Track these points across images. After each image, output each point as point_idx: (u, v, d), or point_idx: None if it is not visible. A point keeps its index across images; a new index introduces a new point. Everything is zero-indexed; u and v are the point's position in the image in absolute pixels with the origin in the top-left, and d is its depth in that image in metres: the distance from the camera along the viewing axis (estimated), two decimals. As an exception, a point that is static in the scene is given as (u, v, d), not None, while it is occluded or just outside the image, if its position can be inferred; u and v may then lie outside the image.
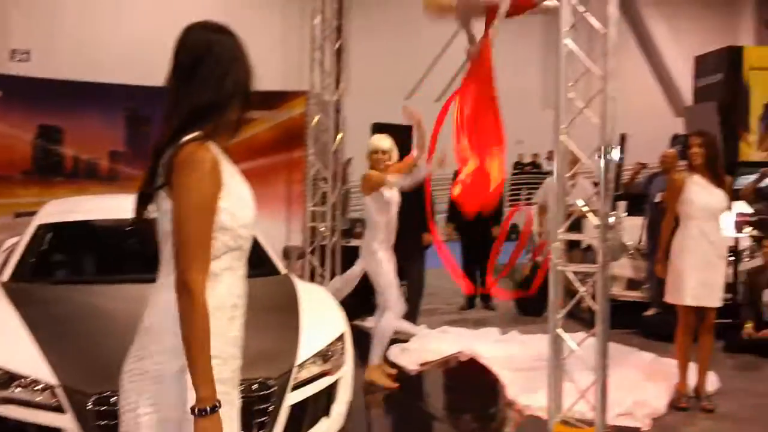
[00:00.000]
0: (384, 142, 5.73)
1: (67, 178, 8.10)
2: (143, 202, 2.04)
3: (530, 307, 7.98)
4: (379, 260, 5.52)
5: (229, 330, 1.99)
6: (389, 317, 5.56)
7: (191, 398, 1.87)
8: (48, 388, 3.21)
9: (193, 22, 2.08)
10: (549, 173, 16.19)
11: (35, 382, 3.23)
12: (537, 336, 6.36)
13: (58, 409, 3.18)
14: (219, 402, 1.87)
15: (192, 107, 1.97)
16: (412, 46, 17.64)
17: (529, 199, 17.15)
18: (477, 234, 8.63)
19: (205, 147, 1.94)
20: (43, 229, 4.85)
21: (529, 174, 18.83)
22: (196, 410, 1.85)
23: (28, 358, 3.33)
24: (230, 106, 2.01)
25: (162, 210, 1.99)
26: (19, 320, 3.65)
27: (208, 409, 1.85)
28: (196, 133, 1.95)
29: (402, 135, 8.36)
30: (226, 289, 1.98)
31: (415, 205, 6.25)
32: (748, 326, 6.60)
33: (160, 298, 1.99)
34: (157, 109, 2.20)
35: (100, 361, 3.21)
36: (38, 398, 3.22)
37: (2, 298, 3.98)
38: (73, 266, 4.93)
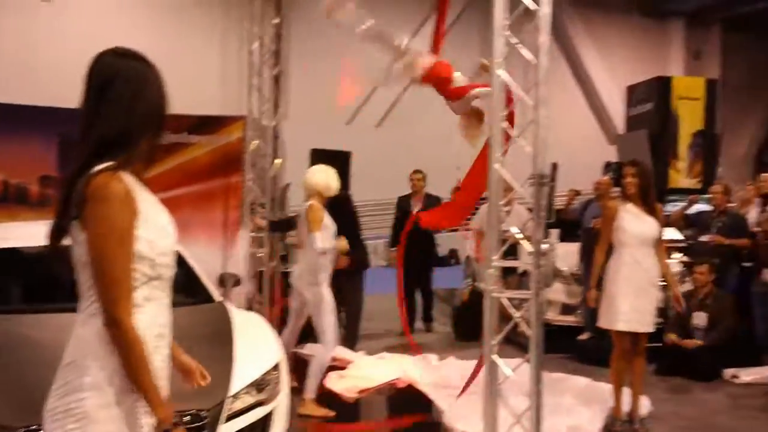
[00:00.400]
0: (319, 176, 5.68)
1: (-7, 203, 7.82)
2: (58, 233, 2.00)
3: (468, 332, 8.04)
4: (324, 294, 5.52)
5: (154, 361, 1.97)
6: (325, 350, 5.53)
7: (145, 425, 1.93)
8: None
9: (105, 49, 2.05)
10: (486, 199, 16.46)
11: None
12: (474, 362, 6.41)
13: None
14: (180, 418, 1.99)
15: (101, 135, 1.95)
16: (350, 71, 17.81)
17: (467, 224, 17.32)
18: (417, 259, 8.72)
19: (117, 177, 1.92)
20: None
21: (468, 200, 19.03)
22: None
23: None
24: (142, 133, 1.99)
25: (77, 241, 1.96)
26: None
27: (171, 428, 1.93)
28: (107, 163, 1.93)
29: (339, 161, 8.40)
30: (149, 319, 1.97)
31: (348, 229, 6.28)
32: (672, 336, 6.79)
33: (80, 332, 1.96)
34: None
35: (27, 394, 3.09)
36: None
37: None
38: (0, 294, 4.75)
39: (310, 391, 5.53)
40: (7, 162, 7.87)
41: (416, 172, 9.07)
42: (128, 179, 1.96)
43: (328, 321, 5.52)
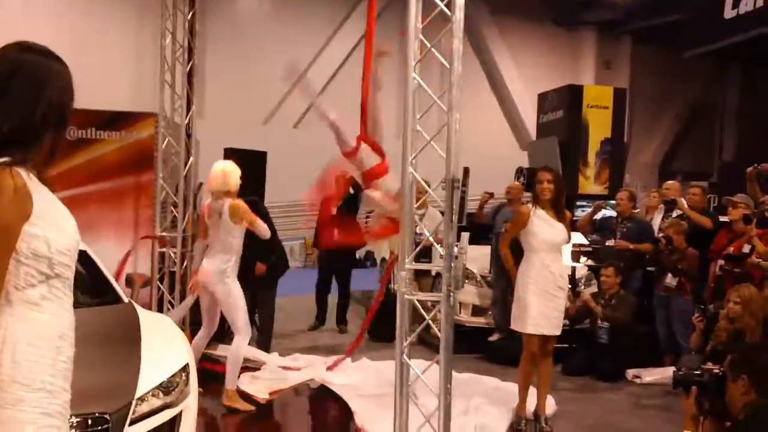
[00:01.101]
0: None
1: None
2: None
3: (381, 333, 8.09)
4: (232, 285, 5.49)
5: (56, 362, 1.93)
6: (240, 341, 5.51)
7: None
8: None
9: (8, 43, 1.99)
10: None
11: None
12: (386, 362, 6.46)
13: None
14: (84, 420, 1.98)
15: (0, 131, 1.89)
16: (270, 71, 17.64)
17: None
18: (339, 261, 8.82)
19: (10, 173, 1.87)
20: None
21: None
22: None
23: None
24: (42, 130, 1.94)
25: None
26: None
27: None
28: (3, 159, 1.88)
29: (254, 161, 8.30)
30: (48, 319, 1.94)
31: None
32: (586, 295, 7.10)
33: None
34: None
35: None
36: None
37: None
38: None
39: (231, 382, 5.51)
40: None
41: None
42: (24, 176, 1.90)
43: (240, 312, 5.51)
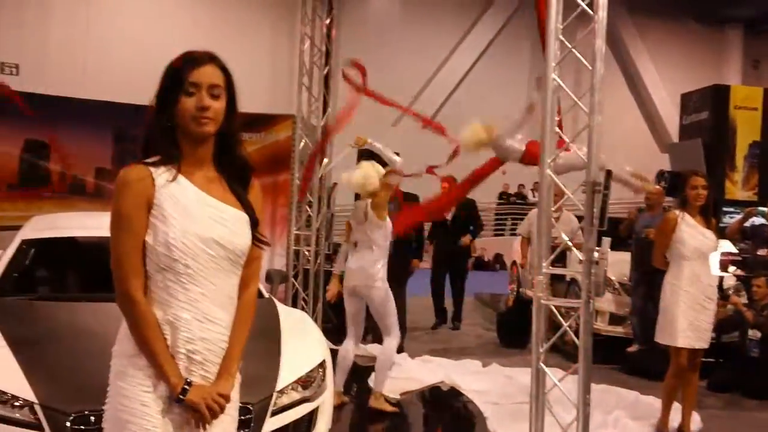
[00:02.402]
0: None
1: (53, 194, 8.04)
2: None
3: (512, 339, 7.97)
4: (384, 287, 5.45)
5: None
6: (390, 344, 5.48)
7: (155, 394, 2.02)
8: (27, 405, 3.17)
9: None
10: (535, 204, 16.30)
11: (15, 398, 3.19)
12: (518, 369, 6.35)
13: (36, 426, 3.14)
14: (188, 381, 2.03)
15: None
16: (400, 74, 17.82)
17: (513, 229, 17.22)
18: (453, 260, 8.91)
19: (130, 168, 2.04)
20: (26, 244, 4.82)
21: (514, 205, 18.93)
22: (179, 397, 2.02)
23: (8, 375, 3.29)
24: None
25: None
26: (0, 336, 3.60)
27: (186, 387, 2.02)
28: (153, 159, 2.05)
29: (386, 162, 8.39)
30: (158, 306, 2.04)
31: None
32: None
33: None
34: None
35: (79, 381, 3.20)
36: (17, 414, 3.17)
37: None
38: (56, 283, 4.87)
39: (380, 384, 5.51)
40: (65, 155, 8.08)
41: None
42: (144, 170, 2.03)
43: (392, 315, 5.46)
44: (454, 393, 6.19)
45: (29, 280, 4.73)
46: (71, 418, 3.10)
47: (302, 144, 8.15)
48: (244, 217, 2.12)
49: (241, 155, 2.17)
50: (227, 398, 2.10)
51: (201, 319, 2.06)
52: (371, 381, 5.80)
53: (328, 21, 8.24)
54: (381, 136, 7.18)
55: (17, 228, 5.47)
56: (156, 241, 2.01)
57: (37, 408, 3.15)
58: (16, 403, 3.18)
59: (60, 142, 8.05)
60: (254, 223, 2.15)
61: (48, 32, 15.45)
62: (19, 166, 7.94)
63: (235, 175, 2.16)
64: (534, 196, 18.08)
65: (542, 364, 4.13)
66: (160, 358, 2.01)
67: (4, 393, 3.21)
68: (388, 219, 5.54)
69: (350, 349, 5.59)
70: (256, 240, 2.16)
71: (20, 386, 3.22)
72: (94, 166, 8.17)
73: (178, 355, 2.05)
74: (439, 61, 19.45)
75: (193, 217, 2.04)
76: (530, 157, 5.19)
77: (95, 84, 12.36)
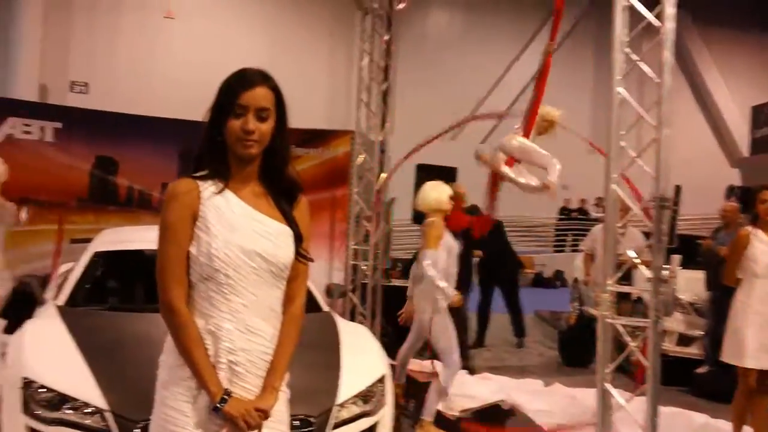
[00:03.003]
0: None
1: (120, 208, 8.27)
2: None
3: (574, 358, 7.81)
4: (442, 320, 5.33)
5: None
6: (448, 374, 5.35)
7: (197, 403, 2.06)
8: (98, 412, 3.27)
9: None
10: (597, 220, 15.94)
11: (86, 405, 3.29)
12: (582, 389, 6.21)
13: None
14: (227, 392, 2.03)
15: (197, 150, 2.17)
16: (458, 89, 17.78)
17: (575, 245, 16.92)
18: (501, 274, 8.81)
19: (179, 181, 2.12)
20: (97, 256, 4.98)
21: (575, 220, 18.61)
22: (213, 408, 2.03)
23: (80, 382, 3.39)
24: (209, 145, 2.12)
25: None
26: (73, 344, 3.72)
27: (225, 397, 2.03)
28: (202, 173, 2.13)
29: (446, 177, 8.37)
30: (199, 316, 2.08)
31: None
32: None
33: None
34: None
35: (147, 389, 3.22)
36: (87, 421, 3.26)
37: (58, 322, 4.07)
38: (125, 294, 5.00)
39: (429, 414, 5.35)
40: (132, 170, 8.31)
41: None
42: (190, 184, 2.09)
43: (448, 345, 5.31)
44: (515, 412, 6.08)
45: (100, 291, 4.86)
46: (140, 425, 3.16)
47: (360, 159, 8.18)
48: (288, 232, 2.16)
49: (288, 173, 2.20)
50: (266, 413, 2.09)
51: (242, 329, 2.08)
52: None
53: (387, 37, 8.27)
54: (441, 150, 7.22)
55: (87, 240, 5.64)
56: (199, 251, 2.05)
57: (107, 415, 3.24)
58: (87, 410, 3.28)
59: (128, 158, 8.29)
60: (298, 239, 2.17)
61: (116, 53, 15.96)
62: (90, 181, 8.20)
63: (282, 191, 2.19)
64: (596, 212, 17.76)
65: (608, 385, 4.03)
66: (199, 367, 2.04)
67: (76, 400, 3.31)
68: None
69: (406, 349, 5.64)
70: (300, 255, 2.18)
71: (91, 393, 3.31)
72: (159, 181, 8.38)
73: (220, 365, 2.07)
74: (498, 74, 19.34)
75: (236, 229, 2.07)
76: None
77: (161, 102, 12.69)
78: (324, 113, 15.49)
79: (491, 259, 8.76)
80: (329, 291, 5.94)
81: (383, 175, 8.09)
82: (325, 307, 4.90)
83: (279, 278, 2.14)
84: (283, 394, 2.21)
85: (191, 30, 16.24)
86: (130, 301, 4.89)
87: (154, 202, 8.40)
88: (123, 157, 8.29)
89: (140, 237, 5.51)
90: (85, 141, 8.17)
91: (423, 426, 5.39)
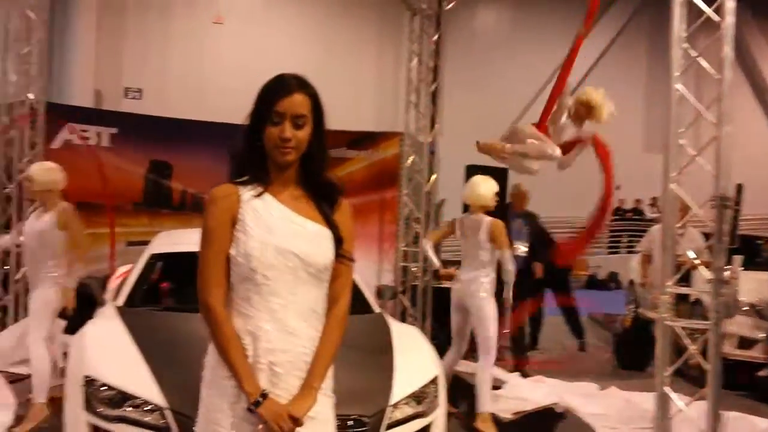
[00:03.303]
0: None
1: (173, 211, 8.42)
2: None
3: (630, 361, 7.65)
4: (485, 301, 5.39)
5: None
6: (487, 361, 5.37)
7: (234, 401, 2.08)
8: (157, 409, 3.32)
9: None
10: (652, 220, 15.61)
11: (146, 402, 3.35)
12: (638, 393, 6.09)
13: (165, 430, 3.27)
14: (263, 393, 2.04)
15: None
16: (507, 89, 17.61)
17: (630, 247, 16.60)
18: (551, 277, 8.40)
19: (219, 186, 2.15)
20: (154, 258, 5.08)
21: (630, 221, 18.25)
22: (248, 409, 2.04)
23: (140, 380, 3.45)
24: (249, 150, 2.14)
25: None
26: (132, 344, 3.80)
27: (260, 399, 2.04)
28: (244, 178, 2.15)
29: (497, 178, 8.28)
30: (239, 316, 2.11)
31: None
32: None
33: None
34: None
35: None
36: (147, 418, 3.32)
37: (118, 321, 4.16)
38: (181, 294, 5.06)
39: (484, 405, 5.39)
40: (185, 173, 8.45)
41: None
42: (231, 188, 2.12)
43: (491, 331, 5.36)
44: (569, 415, 5.97)
45: (157, 292, 4.98)
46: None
47: (410, 161, 8.17)
48: (326, 233, 2.16)
49: (326, 177, 2.22)
50: (299, 420, 2.08)
51: (281, 330, 2.09)
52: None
53: (435, 37, 8.25)
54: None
55: (143, 243, 5.75)
56: (237, 252, 2.09)
57: (167, 413, 3.29)
58: (147, 408, 3.34)
59: (181, 162, 8.43)
60: (338, 240, 2.18)
61: (168, 59, 16.23)
62: (144, 185, 8.37)
63: (322, 194, 2.21)
64: (652, 212, 17.40)
65: (667, 388, 3.93)
66: (236, 367, 2.06)
67: (137, 398, 3.37)
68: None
69: (448, 361, 5.57)
70: (340, 256, 2.19)
71: (151, 392, 3.37)
72: (211, 185, 8.50)
73: (260, 365, 2.08)
74: (548, 74, 19.10)
75: (274, 230, 2.10)
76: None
77: (212, 107, 12.86)
78: (372, 115, 15.50)
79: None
80: (380, 292, 5.93)
81: (434, 177, 8.07)
82: (377, 309, 4.90)
83: (318, 279, 2.14)
84: (327, 397, 2.21)
85: (240, 35, 16.44)
86: (186, 302, 4.91)
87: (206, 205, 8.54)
88: (176, 161, 8.44)
89: (195, 239, 5.60)
90: (139, 146, 8.34)
91: (482, 419, 5.39)
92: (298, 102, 2.10)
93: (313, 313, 2.15)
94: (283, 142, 2.09)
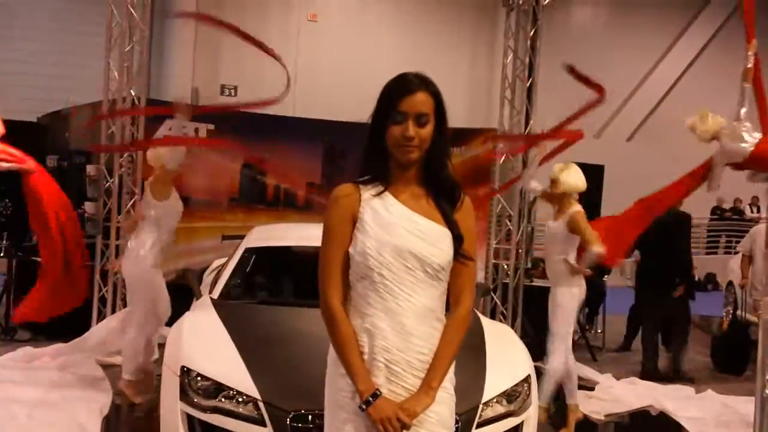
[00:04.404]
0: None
1: (267, 206, 8.65)
2: None
3: (728, 365, 7.38)
4: (561, 291, 5.25)
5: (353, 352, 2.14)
6: (557, 358, 5.22)
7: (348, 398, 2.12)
8: (252, 401, 3.39)
9: None
10: (752, 220, 14.94)
11: (240, 394, 3.43)
12: (736, 397, 5.89)
13: (259, 422, 3.33)
14: (375, 392, 2.06)
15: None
16: (604, 84, 17.15)
17: (728, 247, 15.95)
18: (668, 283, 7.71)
19: (341, 186, 2.20)
20: (249, 252, 5.18)
21: (729, 221, 17.53)
22: (361, 406, 2.07)
23: (234, 372, 3.53)
24: (371, 149, 2.17)
25: None
26: (227, 336, 3.89)
27: (370, 399, 2.06)
28: (365, 178, 2.20)
29: (593, 175, 8.11)
30: (355, 314, 2.15)
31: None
32: None
33: None
34: (353, 144, 2.40)
35: (297, 381, 3.37)
36: (241, 410, 3.39)
37: (214, 314, 4.25)
38: (275, 288, 5.15)
39: (573, 398, 5.35)
40: (278, 169, 8.67)
41: None
42: (351, 188, 2.17)
43: (563, 324, 5.22)
44: (664, 419, 5.82)
45: (251, 286, 5.07)
46: (291, 415, 3.26)
47: (503, 158, 8.12)
48: (445, 233, 2.15)
49: (448, 176, 2.21)
50: (412, 412, 2.07)
51: (398, 329, 2.10)
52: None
53: (532, 33, 8.16)
54: (585, 148, 7.02)
55: (237, 237, 5.91)
56: (355, 251, 2.12)
57: (261, 405, 3.35)
58: (241, 399, 3.41)
59: (275, 158, 8.65)
60: (458, 239, 2.17)
61: (264, 56, 16.62)
62: (240, 181, 8.64)
63: (443, 193, 2.20)
64: (752, 211, 16.67)
65: (769, 393, 3.79)
66: (350, 364, 2.10)
67: (231, 389, 3.45)
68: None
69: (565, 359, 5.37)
70: (460, 256, 2.18)
71: (246, 384, 3.45)
72: (304, 180, 8.69)
73: (376, 363, 2.10)
74: (646, 70, 18.54)
75: (391, 230, 2.11)
76: (758, 158, 4.69)
77: (306, 103, 13.11)
78: (465, 112, 15.44)
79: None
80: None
81: (527, 171, 7.96)
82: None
83: (435, 279, 2.14)
84: (448, 396, 2.22)
85: (334, 35, 16.67)
86: (280, 296, 5.03)
87: (299, 201, 8.73)
88: (271, 157, 8.65)
89: (289, 234, 5.74)
90: (236, 142, 8.59)
91: (572, 410, 5.34)
92: (420, 100, 2.11)
93: (431, 313, 2.15)
94: (406, 141, 2.10)
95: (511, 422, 3.66)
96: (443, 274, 2.16)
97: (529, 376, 3.92)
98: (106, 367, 6.06)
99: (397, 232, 2.11)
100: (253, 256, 5.20)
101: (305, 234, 5.35)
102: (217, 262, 5.96)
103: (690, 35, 18.69)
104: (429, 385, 2.12)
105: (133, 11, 7.35)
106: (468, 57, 17.25)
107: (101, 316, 7.08)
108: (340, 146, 8.65)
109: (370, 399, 2.06)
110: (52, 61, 14.58)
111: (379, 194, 2.15)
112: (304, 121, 9.22)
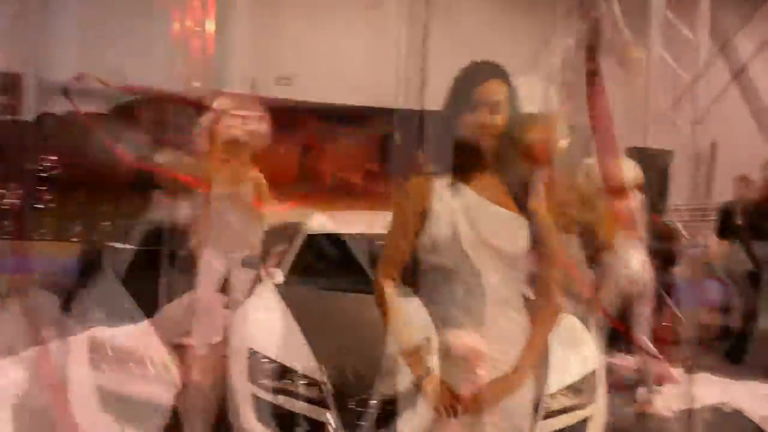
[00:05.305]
0: None
1: (324, 194, 8.64)
2: None
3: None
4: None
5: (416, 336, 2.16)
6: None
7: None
8: (315, 384, 3.41)
9: None
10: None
11: (304, 377, 3.46)
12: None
13: (323, 404, 3.35)
14: (428, 369, 2.08)
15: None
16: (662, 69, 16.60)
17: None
18: None
19: (413, 180, 2.23)
20: (310, 238, 5.30)
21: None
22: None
23: (299, 355, 3.58)
24: (443, 139, 2.17)
25: None
26: (292, 320, 3.95)
27: (422, 377, 2.10)
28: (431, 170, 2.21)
29: (660, 162, 7.83)
30: (430, 304, 2.16)
31: None
32: None
33: None
34: (407, 132, 2.47)
35: (359, 366, 3.39)
36: (306, 392, 3.42)
37: (278, 298, 4.36)
38: (335, 274, 5.17)
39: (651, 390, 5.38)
40: (334, 157, 8.65)
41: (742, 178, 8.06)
42: (422, 182, 2.19)
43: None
44: (739, 417, 5.59)
45: (313, 271, 5.13)
46: (354, 400, 3.27)
47: (563, 144, 7.89)
48: (521, 222, 2.13)
49: (521, 164, 2.20)
50: (479, 400, 2.05)
51: (471, 319, 2.11)
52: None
53: (596, 14, 7.90)
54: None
55: (296, 224, 5.90)
56: (427, 241, 2.14)
57: (324, 388, 3.37)
58: (305, 381, 3.44)
59: (329, 145, 8.63)
60: (535, 229, 2.15)
61: (316, 45, 16.65)
62: (298, 169, 8.64)
63: (517, 182, 2.18)
64: None
65: None
66: (404, 349, 2.14)
67: (296, 371, 3.49)
68: None
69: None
70: (539, 245, 2.16)
71: (311, 367, 3.48)
72: (362, 168, 8.65)
73: (450, 352, 2.08)
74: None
75: (464, 219, 2.12)
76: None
77: (361, 91, 13.05)
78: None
79: None
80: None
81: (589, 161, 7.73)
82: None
83: (511, 267, 2.14)
84: (529, 390, 2.21)
85: (388, 19, 16.56)
86: (339, 282, 5.04)
87: (356, 188, 8.69)
88: (327, 145, 8.63)
89: (348, 221, 5.77)
90: (294, 131, 8.60)
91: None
92: (494, 88, 2.10)
93: (506, 303, 2.13)
94: (480, 129, 2.09)
95: (577, 416, 3.59)
96: (519, 263, 2.14)
97: (596, 370, 3.82)
98: (176, 346, 6.14)
99: (471, 222, 2.10)
100: (314, 242, 5.29)
101: (366, 221, 5.39)
102: (277, 248, 6.02)
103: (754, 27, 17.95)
104: (506, 376, 2.11)
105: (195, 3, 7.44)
106: (525, 47, 16.96)
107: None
108: (397, 133, 8.56)
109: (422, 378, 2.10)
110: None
111: (451, 184, 2.14)
112: (359, 108, 9.17)
